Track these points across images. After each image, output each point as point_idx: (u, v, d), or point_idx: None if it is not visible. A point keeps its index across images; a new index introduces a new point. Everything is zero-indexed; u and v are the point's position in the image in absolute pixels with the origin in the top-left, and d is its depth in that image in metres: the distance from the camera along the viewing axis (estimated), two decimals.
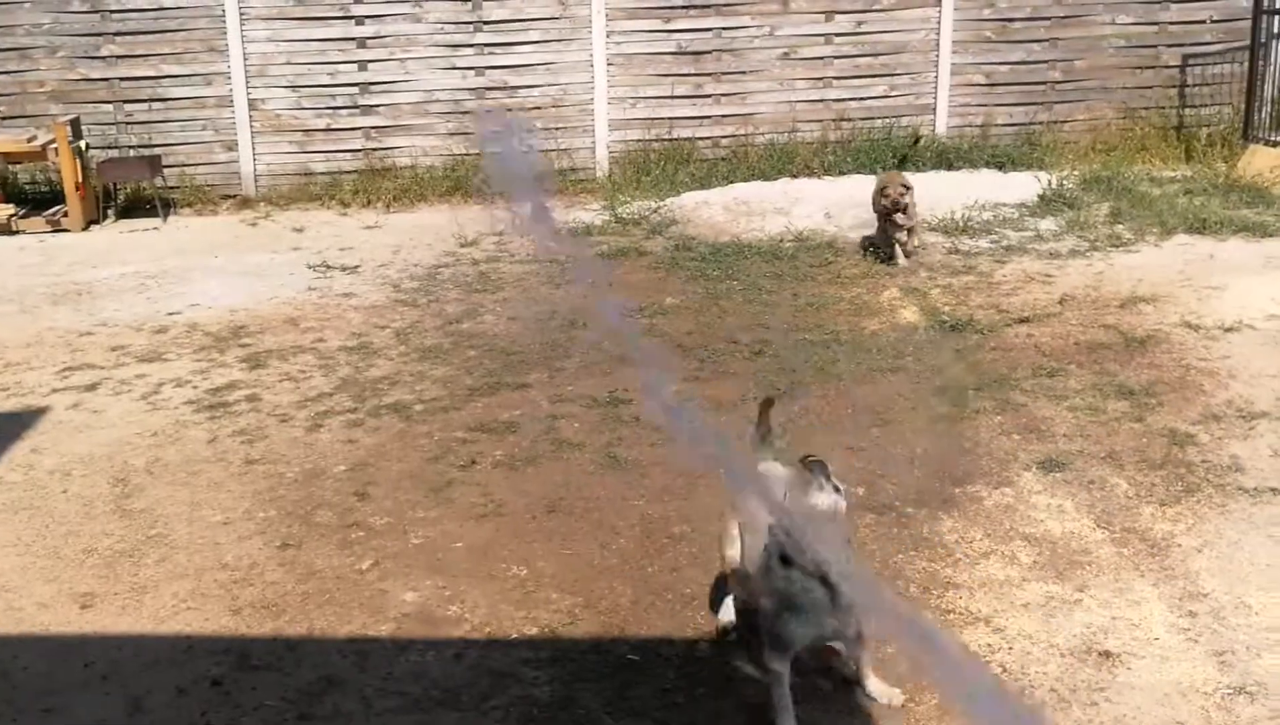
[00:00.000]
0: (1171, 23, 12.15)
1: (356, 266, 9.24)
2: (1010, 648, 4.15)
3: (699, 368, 6.81)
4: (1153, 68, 12.26)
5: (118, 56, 11.46)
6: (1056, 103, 12.27)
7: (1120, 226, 9.28)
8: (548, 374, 6.81)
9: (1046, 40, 12.13)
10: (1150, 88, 12.27)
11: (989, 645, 4.17)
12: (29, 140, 10.78)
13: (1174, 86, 12.27)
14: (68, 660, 4.24)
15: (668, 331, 7.46)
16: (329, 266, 9.25)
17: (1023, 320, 7.38)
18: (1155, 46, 12.21)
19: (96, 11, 11.35)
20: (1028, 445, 5.70)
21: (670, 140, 11.93)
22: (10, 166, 11.30)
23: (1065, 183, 10.34)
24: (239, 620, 4.46)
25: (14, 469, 5.80)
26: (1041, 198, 10.06)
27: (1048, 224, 9.50)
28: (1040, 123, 12.18)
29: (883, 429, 5.94)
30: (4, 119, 11.43)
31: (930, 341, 7.07)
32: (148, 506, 5.38)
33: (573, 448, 5.82)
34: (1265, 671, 3.96)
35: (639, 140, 11.94)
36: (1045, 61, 12.18)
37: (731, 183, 11.03)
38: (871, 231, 8.97)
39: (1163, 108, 12.23)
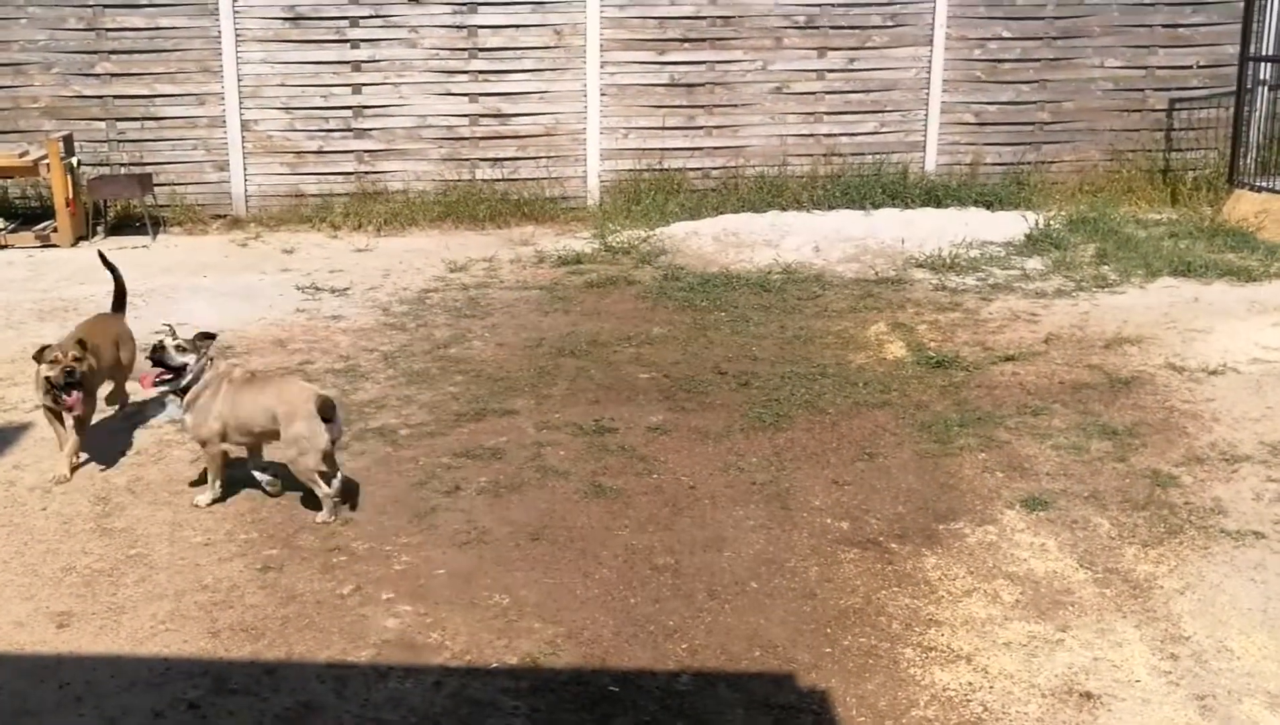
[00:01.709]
0: (1159, 67, 12.29)
1: (346, 289, 9.23)
2: (991, 687, 4.15)
3: (686, 398, 6.82)
4: (1140, 111, 12.39)
5: (112, 74, 11.47)
6: (1045, 143, 12.38)
7: (1106, 267, 9.35)
8: (535, 401, 6.81)
9: (1036, 81, 12.24)
10: (1137, 131, 12.39)
11: (970, 684, 4.17)
12: (21, 155, 10.77)
13: (1161, 130, 12.40)
14: (43, 680, 4.20)
15: (654, 361, 7.46)
16: (318, 288, 9.24)
17: (1008, 358, 7.41)
18: (1143, 90, 12.34)
19: (92, 29, 11.37)
20: (1011, 483, 5.71)
21: (661, 170, 11.98)
22: (1, 181, 11.29)
23: (1052, 223, 10.42)
24: (217, 643, 4.43)
25: None
26: (1028, 237, 10.13)
27: (1034, 263, 9.56)
28: (1028, 163, 12.28)
29: (868, 463, 5.95)
30: None
31: (916, 377, 7.10)
32: (128, 526, 5.35)
33: (558, 476, 5.81)
34: (1246, 717, 3.97)
35: (630, 170, 11.99)
36: (1034, 102, 12.30)
37: (721, 214, 11.08)
38: (858, 265, 8.91)
39: (1149, 151, 12.35)
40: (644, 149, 12.01)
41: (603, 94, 11.89)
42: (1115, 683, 4.17)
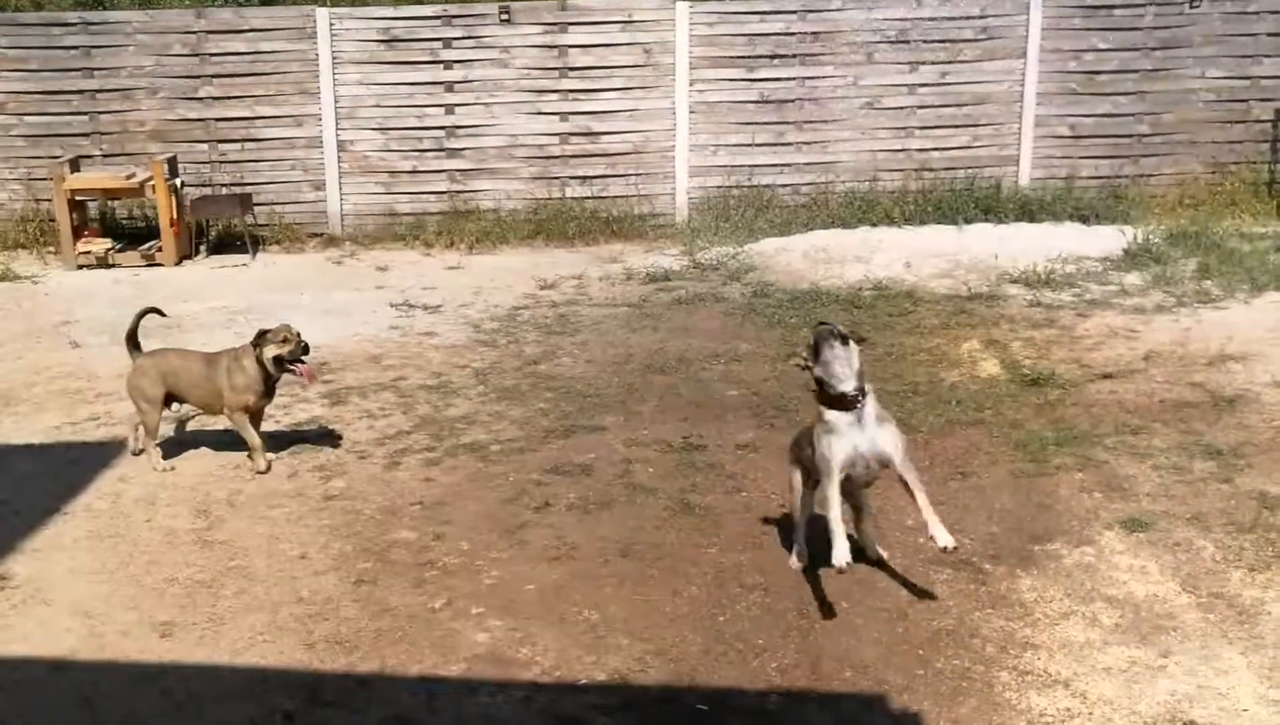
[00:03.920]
0: (1264, 77, 11.94)
1: (438, 306, 9.37)
2: (1091, 713, 4.05)
3: (775, 415, 6.78)
4: (1243, 122, 12.05)
5: (214, 98, 11.82)
6: (1143, 156, 12.11)
7: (1208, 282, 9.09)
8: (623, 418, 6.83)
9: (1134, 93, 11.99)
10: (1240, 142, 12.05)
11: (1068, 710, 4.07)
12: (128, 177, 11.14)
13: (1265, 141, 12.04)
14: (146, 688, 4.31)
15: (744, 378, 7.44)
16: (411, 306, 9.39)
17: (1106, 376, 7.24)
18: (1246, 101, 12.01)
19: (196, 55, 11.73)
20: (1110, 504, 5.57)
21: (750, 187, 11.97)
22: (110, 202, 11.69)
23: (1151, 237, 10.17)
24: (312, 655, 4.51)
25: (101, 497, 5.95)
26: (1126, 252, 9.90)
27: (1133, 278, 9.34)
28: (1126, 176, 12.02)
29: (961, 482, 5.86)
30: (106, 156, 11.84)
31: (1010, 394, 6.97)
32: (228, 538, 5.48)
33: (646, 493, 5.82)
34: None
35: (719, 186, 12.00)
36: (1132, 114, 12.04)
37: (811, 230, 11.03)
38: (950, 281, 8.76)
39: (1253, 162, 12.00)
40: (733, 166, 12.02)
41: (692, 111, 11.92)
42: (1221, 711, 4.03)
